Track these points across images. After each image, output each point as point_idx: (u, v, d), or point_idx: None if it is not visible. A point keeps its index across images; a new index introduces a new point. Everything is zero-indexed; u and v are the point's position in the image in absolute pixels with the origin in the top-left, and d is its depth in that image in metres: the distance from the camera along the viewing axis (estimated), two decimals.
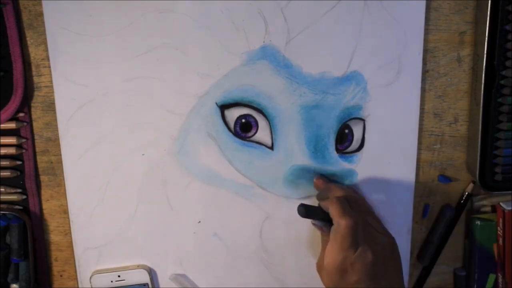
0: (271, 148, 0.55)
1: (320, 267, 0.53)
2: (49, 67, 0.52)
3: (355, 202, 0.51)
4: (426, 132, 0.58)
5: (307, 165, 0.56)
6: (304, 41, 0.53)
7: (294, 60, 0.53)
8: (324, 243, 0.53)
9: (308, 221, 0.58)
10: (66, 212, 0.56)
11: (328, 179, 0.56)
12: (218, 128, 0.55)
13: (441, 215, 0.61)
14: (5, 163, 0.54)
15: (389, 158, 0.57)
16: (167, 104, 0.53)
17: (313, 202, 0.56)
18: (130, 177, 0.55)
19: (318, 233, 0.59)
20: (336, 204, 0.49)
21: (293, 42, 0.53)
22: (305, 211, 0.51)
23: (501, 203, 0.60)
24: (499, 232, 0.60)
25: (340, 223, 0.48)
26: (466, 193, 0.60)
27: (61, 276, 0.59)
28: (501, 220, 0.60)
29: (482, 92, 0.55)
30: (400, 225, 0.59)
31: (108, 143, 0.54)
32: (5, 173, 0.55)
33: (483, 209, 0.61)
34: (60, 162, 0.55)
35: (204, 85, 0.53)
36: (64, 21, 0.51)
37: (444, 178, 0.59)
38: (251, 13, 0.52)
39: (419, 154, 0.58)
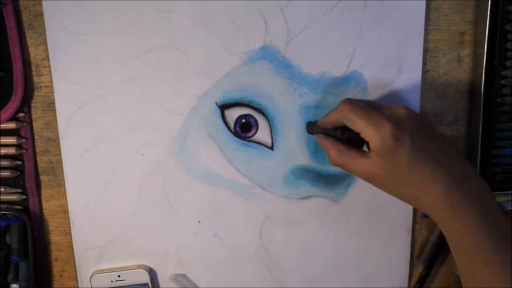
0: (271, 148, 0.55)
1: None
2: (49, 67, 0.52)
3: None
4: None
5: (307, 165, 0.56)
6: (304, 41, 0.53)
7: (294, 60, 0.53)
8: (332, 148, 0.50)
9: (307, 222, 0.58)
10: (66, 212, 0.56)
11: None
12: (218, 128, 0.55)
13: None
14: (5, 163, 0.54)
15: None
16: (167, 104, 0.53)
17: (313, 200, 0.57)
18: (130, 177, 0.55)
19: (318, 233, 0.59)
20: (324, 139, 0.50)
21: (293, 42, 0.53)
22: (310, 129, 0.52)
23: (501, 203, 0.59)
24: None
25: (342, 106, 0.48)
26: None
27: (61, 276, 0.59)
28: None
29: (482, 92, 0.55)
30: (400, 225, 0.59)
31: (108, 143, 0.54)
32: (5, 173, 0.55)
33: None
34: (60, 162, 0.55)
35: (204, 85, 0.53)
36: (64, 21, 0.51)
37: None
38: (251, 13, 0.52)
39: None
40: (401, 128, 0.46)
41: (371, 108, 0.47)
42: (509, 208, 0.59)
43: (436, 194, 0.45)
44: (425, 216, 0.61)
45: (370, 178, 0.48)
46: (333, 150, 0.49)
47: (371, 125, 0.46)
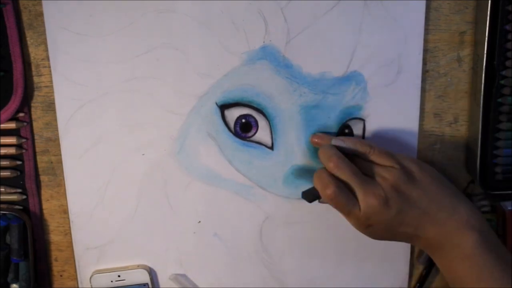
0: (271, 148, 0.55)
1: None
2: (49, 67, 0.52)
3: (341, 158, 0.50)
4: (426, 132, 0.58)
5: (307, 165, 0.56)
6: (304, 41, 0.53)
7: (294, 60, 0.53)
8: None
9: (307, 221, 0.58)
10: (66, 212, 0.56)
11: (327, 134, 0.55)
12: (218, 128, 0.55)
13: None
14: (5, 163, 0.54)
15: None
16: (167, 104, 0.53)
17: None
18: (130, 177, 0.55)
19: (318, 233, 0.59)
20: (316, 178, 0.50)
21: (293, 42, 0.53)
22: (307, 197, 0.51)
23: (501, 203, 0.59)
24: (499, 232, 0.60)
25: (325, 197, 0.48)
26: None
27: (61, 276, 0.59)
28: (501, 219, 0.59)
29: (482, 92, 0.55)
30: None
31: (108, 143, 0.54)
32: (5, 173, 0.55)
33: (483, 209, 0.61)
34: (60, 162, 0.55)
35: (204, 85, 0.53)
36: (64, 21, 0.51)
37: None
38: (251, 13, 0.52)
39: (419, 154, 0.58)
40: (375, 226, 0.48)
41: (349, 202, 0.48)
42: (509, 208, 0.59)
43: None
44: None
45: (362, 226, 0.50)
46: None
47: (347, 218, 0.49)
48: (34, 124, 0.54)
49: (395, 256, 0.60)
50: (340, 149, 0.51)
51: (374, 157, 0.50)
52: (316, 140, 0.54)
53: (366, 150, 0.50)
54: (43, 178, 0.56)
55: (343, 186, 0.48)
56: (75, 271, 0.58)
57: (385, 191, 0.47)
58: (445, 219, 0.47)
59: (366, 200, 0.47)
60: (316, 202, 0.52)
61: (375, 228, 0.48)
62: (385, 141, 0.57)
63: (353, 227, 0.49)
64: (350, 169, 0.49)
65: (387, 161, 0.49)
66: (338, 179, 0.49)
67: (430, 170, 0.50)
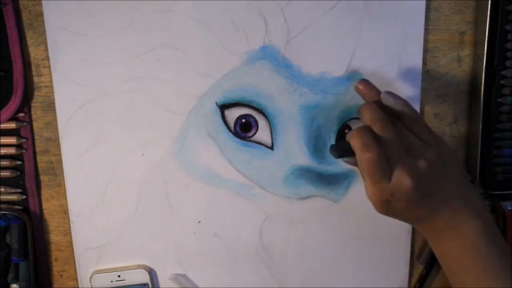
0: (271, 148, 0.55)
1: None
2: (49, 67, 0.52)
3: (385, 122, 0.46)
4: None
5: (307, 165, 0.56)
6: (304, 41, 0.53)
7: (294, 60, 0.53)
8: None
9: (307, 221, 0.58)
10: (66, 212, 0.56)
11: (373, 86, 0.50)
12: (218, 128, 0.55)
13: None
14: (5, 163, 0.54)
15: None
16: (167, 104, 0.53)
17: (313, 200, 0.57)
18: (130, 177, 0.55)
19: (318, 233, 0.59)
20: (356, 137, 0.45)
21: (293, 42, 0.53)
22: (336, 152, 0.48)
23: (501, 203, 0.59)
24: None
25: (361, 159, 0.45)
26: None
27: (61, 276, 0.59)
28: (501, 219, 0.59)
29: (482, 92, 0.55)
30: (400, 225, 0.59)
31: (108, 143, 0.54)
32: (5, 173, 0.55)
33: None
34: (60, 162, 0.55)
35: (204, 85, 0.53)
36: (64, 21, 0.51)
37: None
38: (251, 13, 0.52)
39: None
40: (394, 202, 0.46)
41: (383, 166, 0.45)
42: (509, 208, 0.59)
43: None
44: None
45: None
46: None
47: (370, 186, 0.46)
48: (34, 124, 0.54)
49: (395, 256, 0.60)
50: (384, 106, 0.47)
51: (418, 128, 0.47)
52: (362, 88, 0.50)
53: (414, 117, 0.47)
54: (43, 178, 0.56)
55: (383, 153, 0.44)
56: (75, 271, 0.58)
57: (421, 173, 0.45)
58: (459, 207, 0.46)
59: (401, 177, 0.44)
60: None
61: (392, 203, 0.46)
62: None
63: (368, 195, 0.46)
64: (395, 137, 0.45)
65: (429, 138, 0.47)
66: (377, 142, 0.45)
67: (458, 159, 0.49)
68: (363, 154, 0.44)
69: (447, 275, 0.48)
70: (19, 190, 0.56)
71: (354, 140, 0.45)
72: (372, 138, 0.45)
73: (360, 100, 0.55)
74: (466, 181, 0.49)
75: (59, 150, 0.54)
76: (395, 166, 0.45)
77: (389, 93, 0.47)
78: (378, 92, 0.49)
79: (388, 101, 0.47)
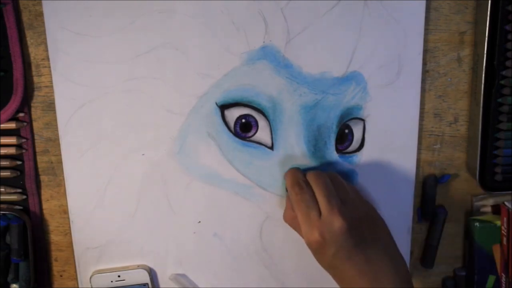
0: (271, 148, 0.55)
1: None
2: (49, 67, 0.52)
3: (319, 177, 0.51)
4: (426, 132, 0.58)
5: (307, 165, 0.56)
6: (304, 41, 0.53)
7: (294, 60, 0.53)
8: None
9: None
10: (66, 212, 0.56)
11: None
12: (218, 128, 0.55)
13: (435, 217, 0.60)
14: (5, 163, 0.54)
15: (389, 158, 0.57)
16: (167, 104, 0.53)
17: None
18: (130, 177, 0.55)
19: None
20: (289, 174, 0.52)
21: (293, 42, 0.53)
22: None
23: (505, 202, 0.59)
24: (503, 232, 0.60)
25: (291, 191, 0.50)
26: None
27: (61, 276, 0.59)
28: (505, 219, 0.59)
29: (482, 92, 0.55)
30: (400, 225, 0.59)
31: (108, 143, 0.54)
32: (5, 173, 0.55)
33: (483, 209, 0.61)
34: (60, 162, 0.55)
35: (204, 85, 0.53)
36: (64, 21, 0.51)
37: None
38: (251, 13, 0.52)
39: (419, 154, 0.58)
40: (328, 241, 0.47)
41: (313, 206, 0.48)
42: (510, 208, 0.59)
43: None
44: (420, 220, 0.61)
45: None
46: (286, 209, 0.54)
47: (304, 224, 0.48)
48: (34, 124, 0.54)
49: None
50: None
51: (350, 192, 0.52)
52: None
53: (349, 187, 0.52)
54: (43, 178, 0.56)
55: (312, 192, 0.49)
56: (75, 271, 0.58)
57: (353, 219, 0.47)
58: (382, 272, 0.47)
59: (332, 215, 0.47)
60: None
61: (325, 248, 0.47)
62: (385, 141, 0.57)
63: (303, 235, 0.49)
64: (328, 183, 0.50)
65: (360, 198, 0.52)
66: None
67: (387, 228, 0.51)
68: (293, 187, 0.50)
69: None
70: (19, 190, 0.56)
71: (288, 176, 0.53)
72: (302, 178, 0.51)
73: (360, 100, 0.55)
74: (396, 250, 0.49)
75: (59, 150, 0.54)
76: (326, 208, 0.47)
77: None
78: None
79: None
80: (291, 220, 0.54)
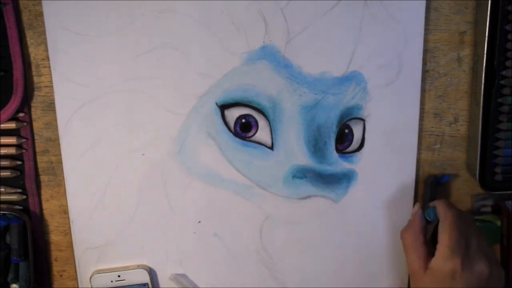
0: (271, 148, 0.55)
1: (416, 271, 0.51)
2: (49, 67, 0.52)
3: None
4: (426, 132, 0.58)
5: (307, 165, 0.56)
6: (304, 41, 0.53)
7: (294, 60, 0.53)
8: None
9: (307, 221, 0.58)
10: (66, 212, 0.56)
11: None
12: (218, 128, 0.55)
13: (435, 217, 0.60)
14: (5, 163, 0.54)
15: (389, 158, 0.57)
16: (167, 104, 0.53)
17: (313, 200, 0.57)
18: (130, 177, 0.55)
19: (318, 233, 0.59)
20: (442, 202, 0.52)
21: (293, 42, 0.53)
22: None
23: (506, 202, 0.59)
24: (503, 231, 0.60)
25: (447, 214, 0.50)
26: None
27: (61, 276, 0.59)
28: (505, 219, 0.59)
29: (482, 92, 0.55)
30: (400, 225, 0.59)
31: (108, 143, 0.54)
32: (5, 173, 0.55)
33: (483, 209, 0.61)
34: (60, 162, 0.55)
35: (204, 85, 0.53)
36: (64, 21, 0.51)
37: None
38: (251, 13, 0.52)
39: (419, 154, 0.58)
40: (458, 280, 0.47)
41: (466, 247, 0.49)
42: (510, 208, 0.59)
43: None
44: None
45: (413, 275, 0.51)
46: (412, 228, 0.53)
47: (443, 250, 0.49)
48: (34, 124, 0.54)
49: (395, 256, 0.60)
50: None
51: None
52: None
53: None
54: (43, 178, 0.56)
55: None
56: (75, 271, 0.58)
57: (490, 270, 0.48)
58: None
59: (476, 259, 0.48)
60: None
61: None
62: (385, 141, 0.57)
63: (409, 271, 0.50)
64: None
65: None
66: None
67: None
68: (450, 210, 0.51)
69: None
70: (19, 190, 0.56)
71: (441, 203, 0.52)
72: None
73: (360, 100, 0.55)
74: None
75: (59, 150, 0.54)
76: (474, 249, 0.48)
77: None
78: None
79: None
80: (414, 240, 0.52)
